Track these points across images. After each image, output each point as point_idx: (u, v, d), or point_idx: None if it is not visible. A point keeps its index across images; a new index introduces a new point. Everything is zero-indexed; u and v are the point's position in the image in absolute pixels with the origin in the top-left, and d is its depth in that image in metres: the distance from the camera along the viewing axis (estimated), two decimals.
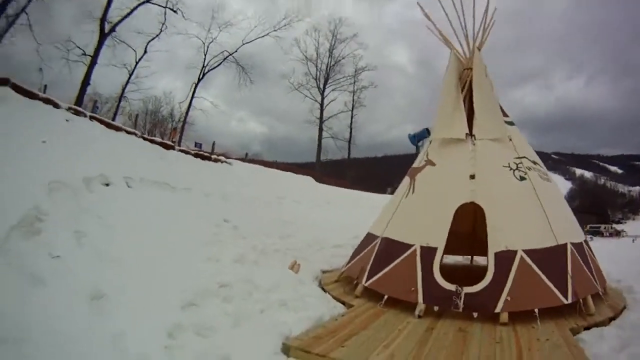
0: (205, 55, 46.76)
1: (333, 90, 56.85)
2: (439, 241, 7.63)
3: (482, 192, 7.93)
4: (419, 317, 6.88)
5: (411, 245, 7.80)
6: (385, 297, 7.45)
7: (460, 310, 6.89)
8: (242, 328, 5.73)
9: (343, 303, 7.75)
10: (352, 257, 9.44)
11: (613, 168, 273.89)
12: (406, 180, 9.58)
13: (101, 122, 15.28)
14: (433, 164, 9.03)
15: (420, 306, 7.00)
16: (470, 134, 8.82)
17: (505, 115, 9.65)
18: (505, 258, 7.22)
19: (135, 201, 9.40)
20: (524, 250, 7.28)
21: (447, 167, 8.71)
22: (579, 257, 7.87)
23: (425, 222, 8.07)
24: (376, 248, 8.54)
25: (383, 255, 8.21)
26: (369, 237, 9.30)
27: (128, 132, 16.09)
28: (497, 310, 6.74)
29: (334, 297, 8.00)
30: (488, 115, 9.02)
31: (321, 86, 56.08)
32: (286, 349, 5.33)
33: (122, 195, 9.14)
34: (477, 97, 9.12)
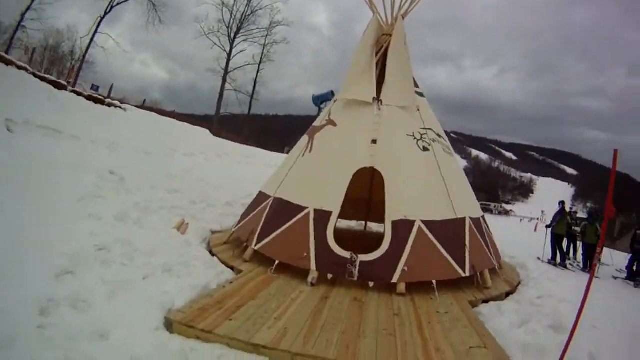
0: None
1: (244, 41, 53.69)
2: (334, 205, 7.29)
3: (383, 158, 7.67)
4: (312, 285, 6.51)
5: (304, 208, 7.41)
6: (277, 262, 6.99)
7: (356, 279, 6.62)
8: (121, 299, 4.97)
9: (232, 268, 7.19)
10: (243, 218, 8.90)
11: (508, 154, 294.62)
12: (304, 138, 9.13)
13: None
14: (334, 125, 8.63)
15: (313, 273, 6.64)
16: (378, 98, 8.44)
17: (416, 86, 9.44)
18: (402, 227, 7.04)
19: (13, 150, 8.25)
20: (422, 221, 7.14)
21: (349, 129, 8.34)
22: (476, 232, 7.92)
23: (321, 184, 7.69)
24: (267, 209, 8.05)
25: (274, 217, 7.73)
26: (261, 197, 8.79)
27: (19, 68, 14.10)
28: (394, 280, 6.57)
29: (222, 262, 7.41)
30: (399, 83, 8.72)
31: (232, 35, 52.45)
32: (169, 324, 4.69)
33: None
34: (391, 63, 8.75)
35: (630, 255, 13.46)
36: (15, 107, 9.77)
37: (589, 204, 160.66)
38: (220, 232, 9.56)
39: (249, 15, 52.95)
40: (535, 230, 29.58)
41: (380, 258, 6.79)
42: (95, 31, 40.65)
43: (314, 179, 7.91)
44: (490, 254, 8.18)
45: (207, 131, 28.48)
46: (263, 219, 7.88)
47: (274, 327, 4.82)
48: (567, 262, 13.57)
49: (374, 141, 7.86)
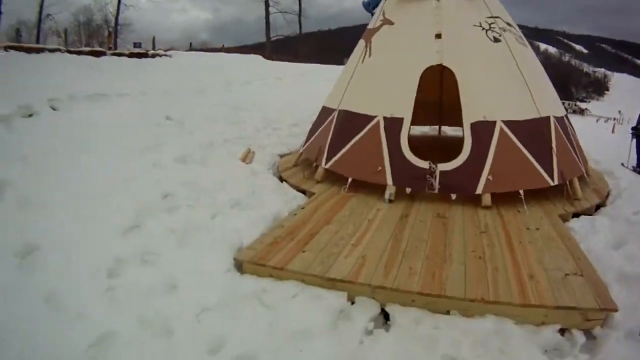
0: None
1: None
2: (404, 110, 6.70)
3: (451, 53, 6.88)
4: (390, 201, 6.13)
5: (373, 117, 6.87)
6: (350, 180, 6.63)
7: (436, 191, 6.16)
8: (190, 245, 4.75)
9: (303, 192, 6.91)
10: (309, 136, 8.50)
11: (578, 47, 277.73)
12: (361, 43, 8.40)
13: (19, 49, 13.24)
14: (391, 23, 7.82)
15: (390, 189, 6.23)
16: None
17: None
18: (483, 130, 6.41)
19: (63, 126, 7.84)
20: (503, 122, 6.46)
21: (408, 26, 7.55)
22: (562, 133, 7.18)
23: (387, 89, 7.08)
24: (334, 123, 7.56)
25: (342, 131, 7.26)
26: (325, 112, 8.28)
27: (51, 51, 13.92)
28: (478, 191, 6.07)
29: (293, 186, 7.14)
30: None
31: None
32: (239, 264, 4.44)
33: (46, 124, 7.61)
34: None
35: None
36: (56, 86, 9.50)
37: None
38: (288, 155, 9.31)
39: None
40: (613, 131, 28.15)
41: (461, 166, 6.26)
42: None
43: (379, 84, 7.29)
44: (578, 159, 7.44)
45: (260, 57, 27.90)
46: (330, 134, 7.44)
47: (350, 255, 4.49)
48: None
49: (438, 35, 7.07)
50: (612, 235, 5.44)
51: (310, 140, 8.27)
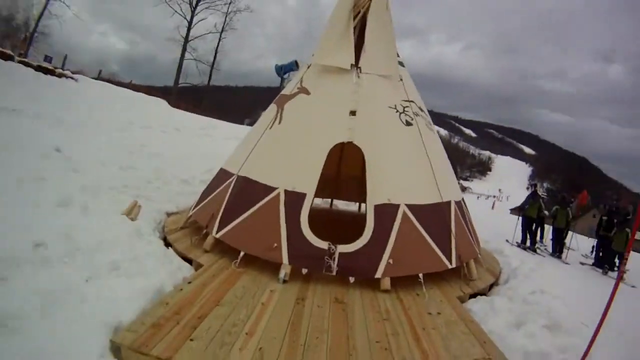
0: None
1: (206, 8, 51.86)
2: (308, 186, 6.35)
3: (363, 132, 6.75)
4: (284, 282, 5.58)
5: (274, 189, 6.42)
6: (242, 254, 5.98)
7: (334, 273, 5.73)
8: (59, 313, 3.82)
9: (190, 261, 6.17)
10: (202, 198, 7.82)
11: (468, 131, 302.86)
12: (272, 108, 8.06)
13: None
14: (307, 93, 7.59)
15: (285, 268, 5.69)
16: (356, 66, 7.47)
17: (397, 55, 8.43)
18: (386, 212, 6.22)
19: None
20: (407, 205, 6.35)
21: (324, 98, 7.32)
22: (461, 218, 7.26)
23: (293, 161, 6.72)
24: (230, 189, 7.00)
25: (239, 199, 6.70)
26: (223, 175, 7.74)
27: None
28: (378, 275, 5.75)
29: (179, 253, 6.39)
30: (380, 49, 7.76)
31: (194, 2, 50.59)
32: (116, 348, 3.60)
33: None
34: (371, 27, 7.77)
35: (596, 241, 13.77)
36: None
37: (545, 184, 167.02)
38: (176, 214, 8.56)
39: None
40: (493, 208, 29.92)
41: (362, 249, 5.92)
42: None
43: (285, 154, 6.91)
44: (473, 241, 7.57)
45: (165, 102, 26.94)
46: (225, 201, 6.84)
47: (246, 348, 3.83)
48: (536, 246, 13.59)
49: (353, 112, 6.90)
50: (511, 315, 5.54)
51: (202, 204, 7.61)
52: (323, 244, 5.85)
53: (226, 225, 6.43)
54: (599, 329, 4.18)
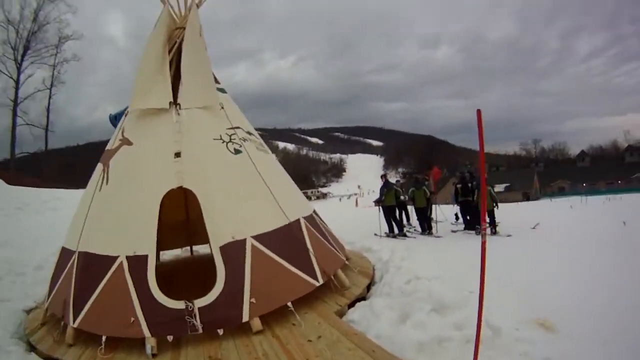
0: None
1: (32, 63, 48.13)
2: (147, 245, 5.97)
3: (192, 173, 6.49)
4: (154, 355, 5.20)
5: (115, 258, 5.96)
6: (104, 338, 5.47)
7: (200, 331, 5.42)
8: None
9: None
10: (52, 285, 7.13)
11: (314, 139, 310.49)
12: (99, 168, 7.55)
13: None
14: (130, 143, 7.22)
15: (150, 342, 5.28)
16: (175, 102, 7.21)
17: (217, 82, 8.27)
18: (234, 250, 5.99)
19: None
20: (253, 237, 6.17)
21: (147, 145, 7.00)
22: (315, 231, 7.22)
23: (127, 223, 6.29)
24: (75, 268, 6.43)
25: (84, 278, 6.17)
26: (65, 254, 7.11)
27: None
28: (245, 318, 5.54)
29: (44, 356, 5.76)
30: (197, 80, 7.53)
31: (19, 58, 46.71)
32: None
33: None
34: (186, 60, 7.50)
35: (458, 207, 15.08)
36: None
37: (400, 169, 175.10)
38: (36, 309, 7.79)
39: (36, 31, 47.59)
40: (357, 205, 30.81)
41: (220, 297, 5.64)
42: None
43: (118, 217, 6.46)
44: (335, 249, 7.59)
45: (1, 180, 25.04)
46: (72, 283, 6.27)
47: None
48: (405, 229, 14.27)
49: (178, 154, 6.62)
50: (393, 312, 5.51)
51: (53, 291, 6.93)
52: (179, 304, 5.52)
53: (80, 311, 5.90)
54: (483, 283, 4.17)
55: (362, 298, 6.58)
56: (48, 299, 7.06)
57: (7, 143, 45.73)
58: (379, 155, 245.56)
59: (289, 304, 5.76)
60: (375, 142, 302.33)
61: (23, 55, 47.19)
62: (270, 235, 6.31)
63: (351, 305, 6.23)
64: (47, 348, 5.93)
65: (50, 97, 49.82)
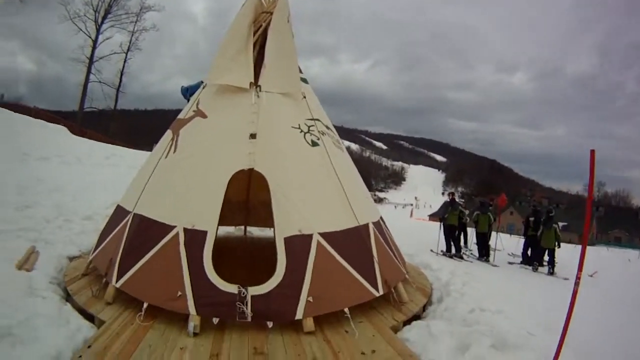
0: None
1: (111, 27, 49.17)
2: (209, 222, 5.78)
3: (265, 157, 6.27)
4: (195, 334, 5.00)
5: (171, 227, 5.80)
6: (145, 304, 5.37)
7: (249, 319, 5.19)
8: None
9: (91, 318, 5.45)
10: (100, 240, 7.08)
11: (378, 144, 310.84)
12: (168, 135, 7.48)
13: None
14: (204, 116, 7.09)
15: (194, 320, 5.09)
16: (256, 84, 7.00)
17: (300, 71, 8.05)
18: (299, 245, 5.72)
19: None
20: (320, 234, 5.88)
21: (221, 121, 6.84)
22: (381, 239, 6.90)
23: (191, 195, 6.14)
24: (127, 230, 6.33)
25: (136, 241, 6.05)
26: (119, 212, 7.06)
27: None
28: (298, 316, 5.27)
29: (79, 308, 5.65)
30: (281, 66, 7.32)
31: (99, 20, 47.60)
32: None
33: None
34: (271, 43, 7.31)
35: (524, 240, 14.22)
36: None
37: (460, 189, 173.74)
38: (79, 258, 7.79)
39: None
40: (411, 215, 30.38)
41: (276, 289, 5.38)
42: None
43: (181, 187, 6.33)
44: (398, 261, 7.25)
45: (65, 129, 25.35)
46: (122, 243, 6.17)
47: None
48: (462, 252, 13.78)
49: (253, 135, 6.41)
50: (453, 339, 5.21)
51: (100, 247, 6.88)
52: (232, 288, 5.30)
53: (126, 272, 5.81)
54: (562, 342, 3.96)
55: (417, 316, 6.32)
56: (94, 252, 7.05)
57: (78, 97, 47.14)
58: (440, 171, 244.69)
59: (346, 309, 5.49)
60: (439, 157, 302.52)
61: (104, 18, 48.37)
62: (337, 235, 6.05)
63: (406, 322, 5.95)
64: (84, 301, 5.87)
65: (125, 61, 51.06)
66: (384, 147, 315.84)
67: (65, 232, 9.12)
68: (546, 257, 12.55)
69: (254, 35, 7.62)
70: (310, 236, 5.79)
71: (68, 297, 6.08)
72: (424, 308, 6.77)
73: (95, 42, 47.53)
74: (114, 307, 5.67)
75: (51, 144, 18.57)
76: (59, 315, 5.24)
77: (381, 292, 6.02)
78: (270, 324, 5.25)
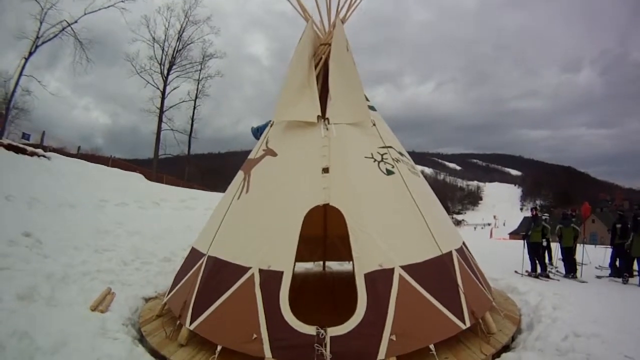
0: (41, 23, 36.91)
1: (177, 77, 51.55)
2: (285, 262, 5.56)
3: (340, 191, 6.02)
4: None
5: (247, 269, 5.64)
6: (219, 348, 5.20)
7: None
8: None
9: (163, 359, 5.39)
10: (175, 282, 7.10)
11: (452, 165, 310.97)
12: (239, 175, 7.44)
13: None
14: (274, 154, 7.00)
15: None
16: (324, 117, 6.90)
17: (367, 99, 7.88)
18: (380, 280, 5.37)
19: None
20: (402, 267, 5.51)
21: (292, 158, 6.74)
22: (465, 266, 6.46)
23: (265, 235, 5.97)
24: (201, 272, 6.26)
25: (211, 283, 5.95)
26: (194, 255, 7.03)
27: None
28: (381, 357, 4.89)
29: (151, 350, 5.64)
30: (347, 95, 7.20)
31: (165, 72, 49.99)
32: None
33: None
34: (334, 74, 7.23)
35: (611, 250, 12.94)
36: None
37: (538, 201, 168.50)
38: (155, 299, 7.84)
39: (180, 49, 50.91)
40: (491, 236, 29.42)
41: (357, 328, 5.03)
42: (21, 74, 36.76)
43: (255, 227, 6.18)
44: (484, 287, 6.74)
45: (141, 176, 26.12)
46: (197, 286, 6.09)
47: None
48: (548, 270, 12.60)
49: (326, 170, 6.22)
50: None
51: (175, 288, 6.86)
52: (310, 330, 5.01)
53: (200, 314, 5.70)
54: None
55: (506, 346, 5.84)
56: (169, 294, 7.04)
57: (152, 145, 48.93)
58: (516, 185, 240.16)
59: (432, 346, 5.08)
60: (513, 171, 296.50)
61: (169, 70, 50.48)
62: (420, 267, 5.68)
63: (495, 355, 5.50)
64: (157, 343, 5.84)
65: (194, 108, 52.96)
66: (458, 167, 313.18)
67: (143, 273, 9.26)
68: (636, 266, 11.59)
69: (315, 69, 7.59)
70: (391, 270, 5.46)
71: (142, 338, 6.09)
72: (514, 337, 6.23)
73: (163, 92, 49.61)
74: (187, 350, 5.58)
75: (128, 190, 19.15)
76: (130, 357, 5.30)
77: (468, 325, 5.56)
78: None
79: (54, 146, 24.65)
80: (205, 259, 6.40)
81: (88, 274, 7.98)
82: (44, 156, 19.01)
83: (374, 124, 7.31)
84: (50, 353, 4.81)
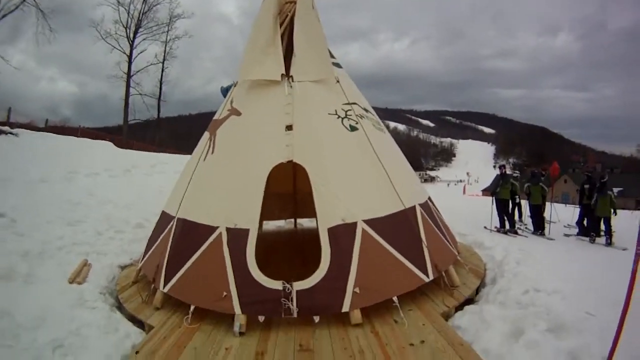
0: None
1: (144, 40, 49.33)
2: (250, 220, 5.65)
3: (303, 148, 6.10)
4: (241, 334, 4.92)
5: (214, 228, 5.73)
6: (192, 307, 5.32)
7: (295, 315, 5.06)
8: None
9: (141, 324, 5.52)
10: (148, 247, 7.16)
11: (425, 122, 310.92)
12: (205, 136, 7.44)
13: None
14: (238, 114, 6.99)
15: (240, 319, 5.01)
16: (288, 75, 6.87)
17: (332, 56, 7.82)
18: (343, 234, 5.51)
19: None
20: (365, 221, 5.63)
21: (256, 116, 6.72)
22: (429, 220, 6.60)
23: (231, 194, 6.04)
24: (172, 235, 6.32)
25: (181, 245, 6.02)
26: (164, 219, 7.09)
27: None
28: (345, 309, 5.07)
29: (128, 315, 5.75)
30: (311, 53, 7.16)
31: (131, 35, 47.60)
32: None
33: None
34: (298, 32, 7.21)
35: (579, 209, 13.30)
36: None
37: (511, 160, 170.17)
38: (130, 266, 7.90)
39: (146, 12, 49.18)
40: (464, 192, 29.71)
41: (321, 282, 5.19)
42: None
43: (221, 187, 6.24)
44: (448, 241, 6.90)
45: (111, 144, 25.79)
46: (168, 248, 6.16)
47: None
48: (516, 226, 12.96)
49: (289, 127, 6.27)
50: (506, 324, 4.92)
51: (148, 253, 6.92)
52: (277, 284, 5.16)
53: (172, 277, 5.80)
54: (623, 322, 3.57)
55: (470, 300, 6.00)
56: (142, 259, 7.12)
57: (121, 112, 47.85)
58: (490, 143, 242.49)
59: (395, 298, 5.22)
60: (487, 129, 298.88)
61: (135, 33, 48.35)
62: (383, 221, 5.77)
63: (458, 307, 5.65)
64: (134, 308, 5.94)
65: (162, 70, 51.36)
66: (431, 124, 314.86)
67: (117, 242, 9.29)
68: (603, 227, 11.74)
69: (280, 27, 7.47)
70: (354, 224, 5.57)
71: (120, 306, 6.17)
72: (478, 291, 6.41)
73: (130, 57, 47.79)
74: (162, 312, 5.69)
75: (98, 160, 18.91)
76: (108, 324, 5.37)
77: (431, 277, 5.73)
78: (316, 319, 5.12)
79: (21, 122, 23.97)
80: (175, 221, 6.46)
81: (64, 248, 7.97)
82: (11, 133, 18.65)
83: (338, 81, 7.31)
84: (32, 328, 4.85)
